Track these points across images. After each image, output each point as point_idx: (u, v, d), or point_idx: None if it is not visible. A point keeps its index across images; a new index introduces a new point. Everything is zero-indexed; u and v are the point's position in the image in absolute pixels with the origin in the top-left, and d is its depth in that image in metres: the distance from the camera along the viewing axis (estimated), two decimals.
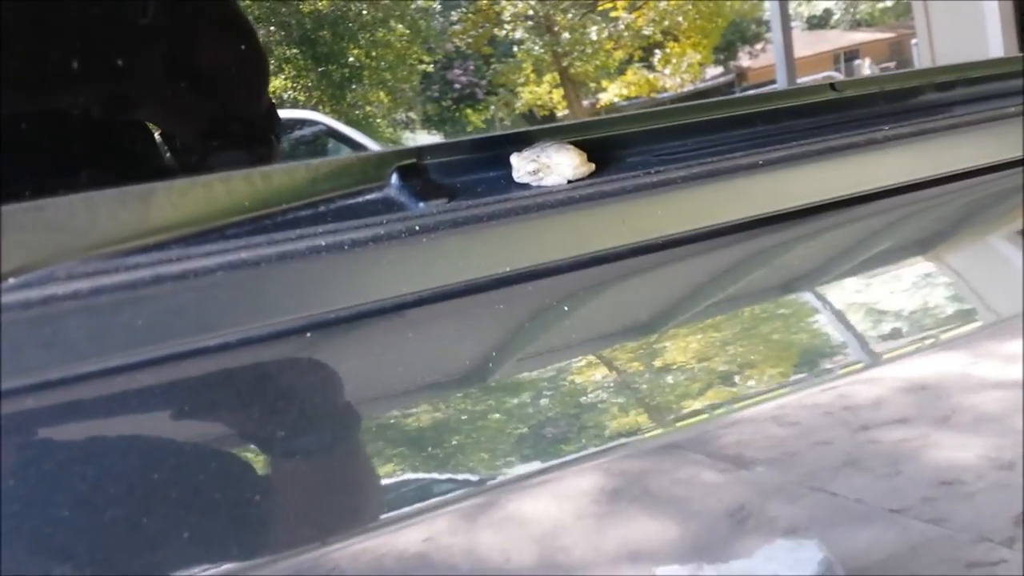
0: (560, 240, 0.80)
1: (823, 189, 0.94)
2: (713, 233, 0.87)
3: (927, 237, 1.07)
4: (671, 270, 0.90)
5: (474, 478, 0.69)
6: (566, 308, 0.82)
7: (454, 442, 0.74)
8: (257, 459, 0.66)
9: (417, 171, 0.83)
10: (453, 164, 0.85)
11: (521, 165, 0.83)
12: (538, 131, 0.87)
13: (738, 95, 0.96)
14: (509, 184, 0.84)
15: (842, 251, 1.02)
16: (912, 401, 0.75)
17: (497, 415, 0.79)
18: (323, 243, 0.71)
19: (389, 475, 0.69)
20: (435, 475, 0.70)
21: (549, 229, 0.80)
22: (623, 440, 0.70)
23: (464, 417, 0.75)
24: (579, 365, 0.86)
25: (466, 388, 0.77)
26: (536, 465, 0.68)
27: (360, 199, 0.79)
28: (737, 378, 0.76)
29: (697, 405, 0.75)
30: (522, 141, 0.87)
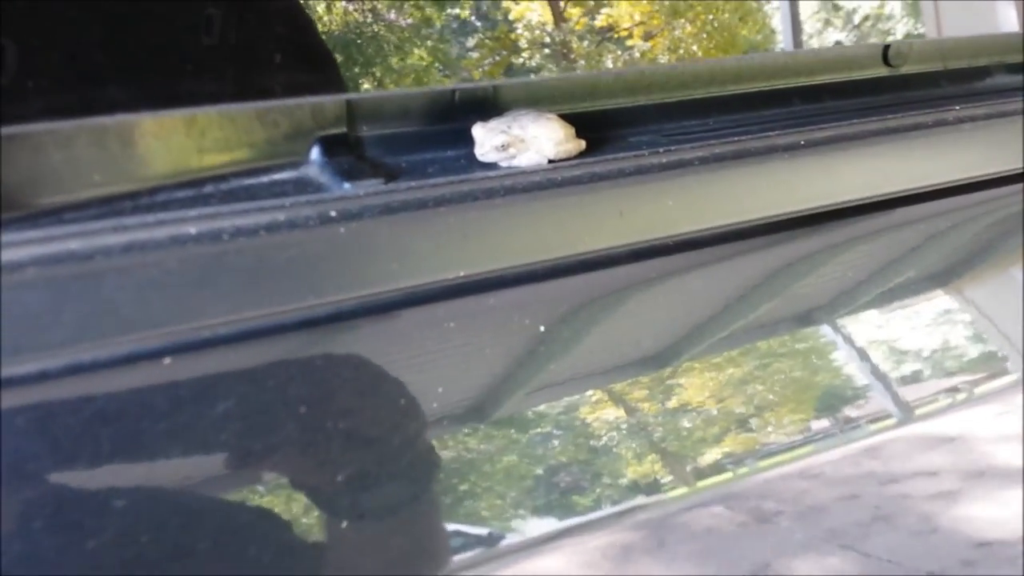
0: (535, 237, 0.59)
1: (882, 181, 0.73)
2: (739, 233, 0.67)
3: (993, 248, 0.86)
4: (683, 280, 0.69)
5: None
6: (541, 328, 0.62)
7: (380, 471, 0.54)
8: None
9: (347, 144, 0.62)
10: (397, 138, 0.65)
11: (487, 138, 0.63)
12: (511, 87, 0.67)
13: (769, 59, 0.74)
14: (471, 164, 0.64)
15: (890, 262, 0.82)
16: (944, 453, 0.72)
17: (456, 467, 0.58)
18: (192, 231, 0.50)
19: None
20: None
21: (520, 222, 0.59)
22: (632, 493, 0.62)
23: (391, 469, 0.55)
24: (564, 405, 0.65)
25: (399, 435, 0.56)
26: (536, 523, 0.60)
27: (263, 178, 0.59)
28: (755, 422, 0.68)
29: (713, 453, 0.66)
30: (487, 108, 0.66)
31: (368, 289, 0.54)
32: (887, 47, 0.83)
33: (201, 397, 0.52)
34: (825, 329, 0.76)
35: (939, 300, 0.86)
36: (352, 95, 0.60)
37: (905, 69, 0.86)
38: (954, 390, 0.77)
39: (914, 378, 0.77)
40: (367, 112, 0.64)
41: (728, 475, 0.65)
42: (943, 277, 0.88)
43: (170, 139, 0.56)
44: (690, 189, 0.64)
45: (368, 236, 0.55)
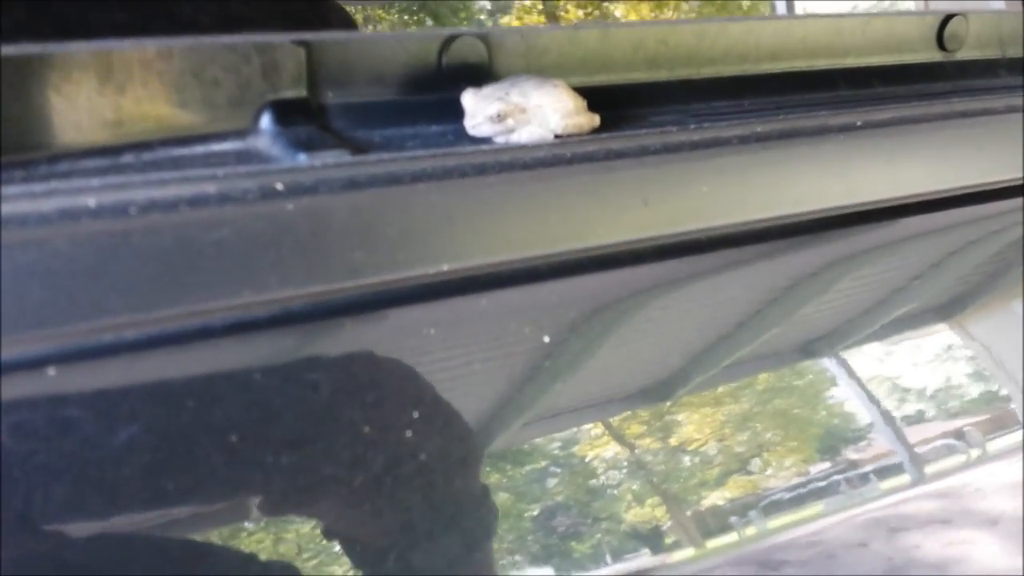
0: (537, 226, 0.47)
1: (951, 173, 0.61)
2: (786, 229, 0.54)
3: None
4: (718, 282, 0.58)
5: None
6: (545, 340, 0.49)
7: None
8: None
9: (307, 112, 0.50)
10: (370, 109, 0.53)
11: (479, 107, 0.51)
12: (508, 47, 0.55)
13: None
14: (461, 139, 0.52)
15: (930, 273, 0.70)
16: (954, 500, 0.68)
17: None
18: (90, 204, 0.38)
19: None
20: None
21: (519, 207, 0.47)
22: (633, 542, 0.55)
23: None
24: (564, 436, 0.53)
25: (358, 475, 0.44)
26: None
27: (197, 148, 0.47)
28: (757, 465, 0.62)
29: (716, 498, 0.59)
30: (481, 75, 0.55)
31: (323, 285, 0.42)
32: (944, 24, 0.72)
33: (111, 412, 0.40)
34: (836, 357, 0.65)
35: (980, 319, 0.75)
36: (311, 35, 0.48)
37: (962, 55, 0.75)
38: (959, 433, 0.72)
39: (919, 418, 0.72)
40: (333, 73, 0.52)
41: (733, 525, 0.59)
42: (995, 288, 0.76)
43: (78, 90, 0.44)
44: (729, 174, 0.52)
45: (325, 217, 0.42)
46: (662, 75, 0.62)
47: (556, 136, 0.51)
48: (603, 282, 0.51)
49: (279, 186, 0.42)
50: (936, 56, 0.75)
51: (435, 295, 0.45)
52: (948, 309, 0.78)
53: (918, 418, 0.73)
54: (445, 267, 0.44)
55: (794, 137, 0.54)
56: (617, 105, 0.58)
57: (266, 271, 0.41)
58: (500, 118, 0.50)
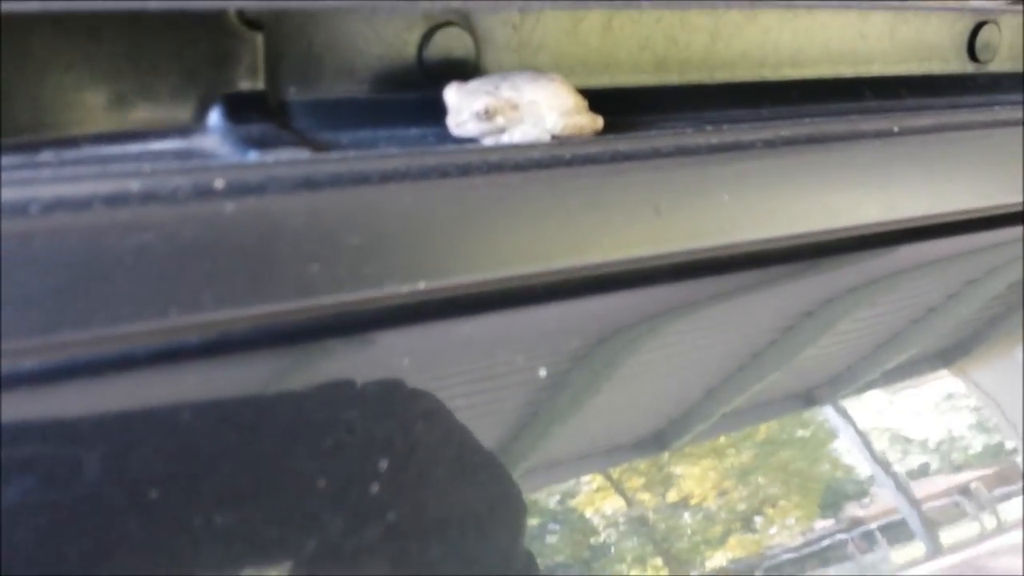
0: (531, 239, 0.40)
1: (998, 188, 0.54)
2: (815, 247, 0.47)
3: None
4: (722, 316, 0.50)
5: None
6: (541, 374, 0.42)
7: None
8: None
9: (264, 109, 0.43)
10: (338, 107, 0.46)
11: (464, 103, 0.44)
12: (498, 35, 0.48)
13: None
14: (443, 140, 0.45)
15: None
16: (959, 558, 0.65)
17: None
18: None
19: None
20: None
21: (510, 216, 0.40)
22: None
23: None
24: (562, 489, 0.46)
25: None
26: None
27: (131, 146, 0.40)
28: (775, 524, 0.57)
29: (719, 559, 0.55)
30: (467, 71, 0.48)
31: (270, 304, 0.35)
32: (975, 32, 0.65)
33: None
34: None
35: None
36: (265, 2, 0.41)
37: (995, 66, 0.69)
38: (965, 489, 0.69)
39: (923, 471, 0.69)
40: (296, 64, 0.45)
41: None
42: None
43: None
44: (754, 182, 0.45)
45: (274, 222, 0.35)
46: (672, 78, 0.55)
47: (553, 137, 0.44)
48: (604, 307, 0.44)
49: (218, 184, 0.34)
50: (968, 67, 0.68)
51: (409, 319, 0.38)
52: (952, 354, 0.73)
53: (922, 472, 0.71)
54: (421, 285, 0.37)
55: (825, 143, 0.47)
56: (620, 110, 0.51)
57: (199, 287, 0.33)
58: (488, 115, 0.43)
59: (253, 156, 0.38)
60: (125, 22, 0.39)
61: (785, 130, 0.47)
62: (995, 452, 0.75)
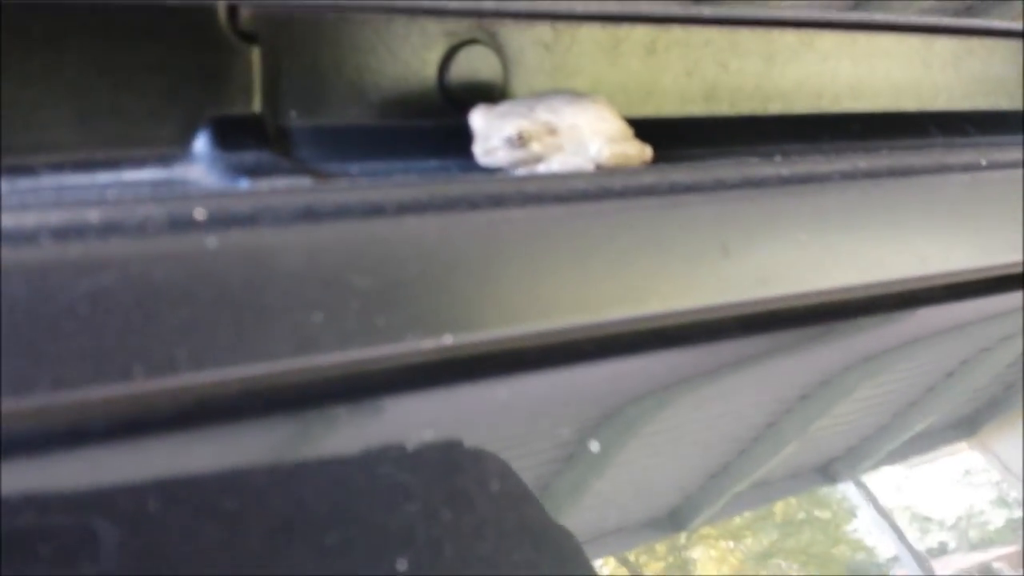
0: (575, 285, 0.33)
1: None
2: (889, 298, 0.40)
3: None
4: (763, 372, 0.43)
5: None
6: (593, 449, 0.35)
7: None
8: None
9: (261, 135, 0.37)
10: (348, 134, 0.39)
11: (494, 127, 0.37)
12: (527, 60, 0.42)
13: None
14: (471, 170, 0.38)
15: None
16: None
17: None
18: None
19: None
20: None
21: (550, 256, 0.33)
22: None
23: None
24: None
25: None
26: None
27: (101, 176, 0.33)
28: None
29: None
30: (493, 97, 0.41)
31: (261, 362, 0.28)
32: None
33: None
34: None
35: None
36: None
37: None
38: (986, 568, 0.66)
39: (942, 550, 0.65)
40: (299, 84, 0.38)
41: None
42: None
43: None
44: (836, 220, 0.38)
45: (266, 261, 0.28)
46: (722, 108, 0.49)
47: (597, 167, 0.38)
48: (669, 365, 0.37)
49: (199, 214, 0.27)
50: None
51: (431, 380, 0.31)
52: (970, 423, 0.68)
53: (942, 550, 0.68)
54: (447, 340, 0.30)
55: (911, 176, 0.41)
56: (666, 143, 0.45)
57: (171, 341, 0.26)
58: (522, 141, 0.37)
59: (245, 184, 0.32)
60: (95, 27, 0.33)
61: (864, 161, 0.41)
62: (1015, 527, 0.72)
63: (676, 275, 0.35)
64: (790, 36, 0.50)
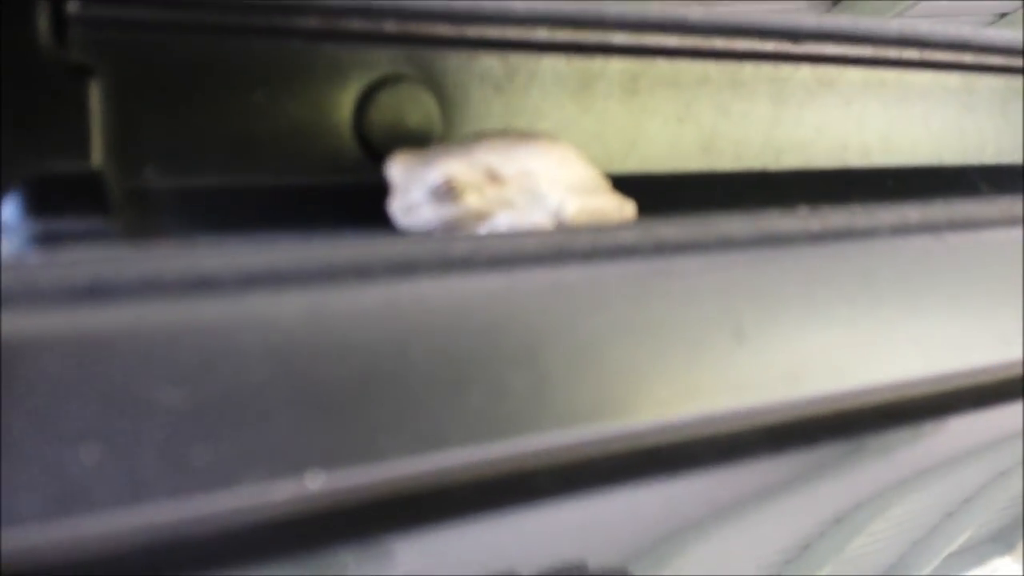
0: (521, 388, 0.22)
1: None
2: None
3: None
4: (801, 493, 0.33)
5: None
6: None
7: None
8: None
9: (95, 192, 0.27)
10: (223, 197, 0.29)
11: (416, 177, 0.27)
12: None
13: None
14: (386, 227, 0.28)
15: None
16: None
17: None
18: None
19: None
20: None
21: (482, 354, 0.22)
22: None
23: None
24: None
25: None
26: None
27: None
28: None
29: None
30: (423, 142, 0.32)
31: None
32: None
33: None
34: None
35: None
36: None
37: None
38: None
39: None
40: (156, 130, 0.29)
41: None
42: None
43: None
44: (886, 289, 0.28)
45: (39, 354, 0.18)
46: (723, 162, 0.39)
47: (558, 225, 0.28)
48: (649, 499, 0.26)
49: None
50: None
51: (342, 530, 0.20)
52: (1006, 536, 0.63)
53: None
54: (312, 482, 0.19)
55: (983, 229, 0.30)
56: (654, 204, 0.35)
57: None
58: (453, 193, 0.26)
59: (32, 256, 0.22)
60: None
61: (917, 212, 0.30)
62: None
63: (671, 372, 0.24)
64: (805, 72, 0.40)
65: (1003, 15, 3.17)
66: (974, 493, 0.53)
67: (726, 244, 0.26)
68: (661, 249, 0.25)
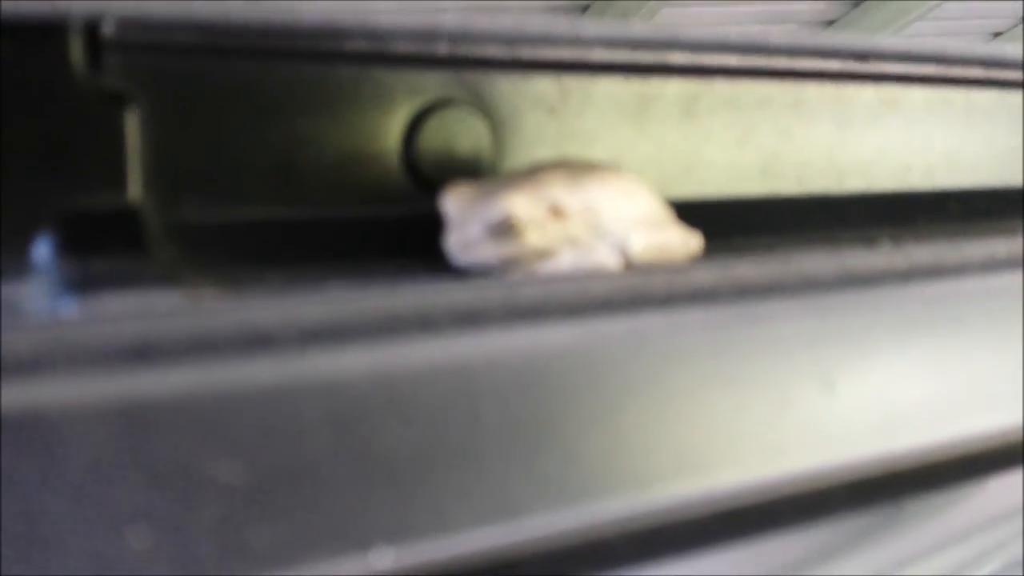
0: (595, 447, 0.20)
1: None
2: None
3: None
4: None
5: None
6: None
7: None
8: None
9: (131, 230, 0.25)
10: (268, 231, 0.28)
11: (472, 214, 0.25)
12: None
13: None
14: (441, 272, 0.26)
15: None
16: None
17: None
18: None
19: None
20: None
21: (554, 409, 0.20)
22: None
23: None
24: None
25: None
26: None
27: None
28: None
29: None
30: (478, 173, 0.30)
31: None
32: None
33: None
34: None
35: None
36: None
37: None
38: None
39: None
40: (196, 163, 0.27)
41: None
42: None
43: None
44: (988, 328, 0.26)
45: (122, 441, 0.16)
46: (785, 186, 0.37)
47: (628, 265, 0.26)
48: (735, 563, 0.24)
49: None
50: None
51: None
52: None
53: None
54: (382, 559, 0.18)
55: None
56: (715, 231, 0.33)
57: None
58: (514, 230, 0.25)
59: (68, 306, 0.20)
60: None
61: (1002, 246, 0.28)
62: None
63: (755, 426, 0.22)
64: (869, 92, 0.38)
65: (997, 34, 3.10)
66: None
67: (809, 285, 0.24)
68: (740, 292, 0.23)
